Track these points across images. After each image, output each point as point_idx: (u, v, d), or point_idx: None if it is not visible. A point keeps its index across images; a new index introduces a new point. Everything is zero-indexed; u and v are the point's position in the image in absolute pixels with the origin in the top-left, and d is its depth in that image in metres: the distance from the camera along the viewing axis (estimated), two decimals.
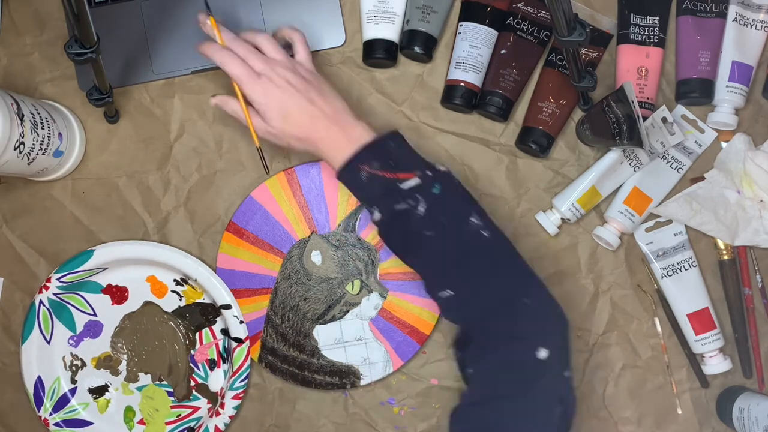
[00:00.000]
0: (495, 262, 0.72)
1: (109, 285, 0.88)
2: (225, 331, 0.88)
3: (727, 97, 0.86)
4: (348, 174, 0.74)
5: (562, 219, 0.86)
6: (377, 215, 0.73)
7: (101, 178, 0.89)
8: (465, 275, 0.72)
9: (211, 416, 0.87)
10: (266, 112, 0.76)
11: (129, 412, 0.88)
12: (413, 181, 0.72)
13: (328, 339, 0.88)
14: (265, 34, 0.79)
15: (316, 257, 0.87)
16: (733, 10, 0.86)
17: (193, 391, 0.88)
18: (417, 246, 0.72)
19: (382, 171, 0.72)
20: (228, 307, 0.87)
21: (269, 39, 0.79)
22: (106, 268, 0.87)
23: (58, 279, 0.87)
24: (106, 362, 0.89)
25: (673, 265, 0.86)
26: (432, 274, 0.73)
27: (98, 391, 0.89)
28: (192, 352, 0.88)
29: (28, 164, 0.81)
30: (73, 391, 0.88)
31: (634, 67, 0.86)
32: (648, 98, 0.86)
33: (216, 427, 0.86)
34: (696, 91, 0.86)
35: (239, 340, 0.86)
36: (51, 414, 0.88)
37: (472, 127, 0.89)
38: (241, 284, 0.87)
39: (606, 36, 0.87)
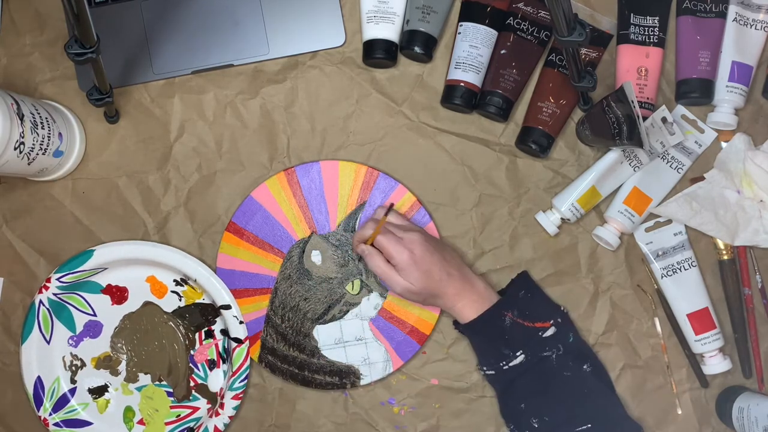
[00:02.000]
0: (604, 401, 0.82)
1: (109, 285, 0.88)
2: (225, 332, 0.88)
3: (727, 97, 0.86)
4: (487, 321, 0.81)
5: (562, 219, 0.86)
6: (520, 359, 0.81)
7: (101, 178, 0.89)
8: (590, 409, 0.80)
9: (211, 416, 0.87)
10: (408, 270, 0.79)
11: (129, 412, 0.88)
12: (551, 330, 0.82)
13: (328, 339, 0.87)
14: (381, 208, 0.85)
15: (316, 257, 0.87)
16: (733, 10, 0.86)
17: (193, 391, 0.88)
18: (556, 385, 0.80)
19: (522, 320, 0.81)
20: (228, 307, 0.87)
21: (392, 212, 0.84)
22: (106, 268, 0.87)
23: (58, 279, 0.87)
24: (106, 362, 0.89)
25: (673, 265, 0.86)
26: (564, 409, 0.80)
27: (98, 391, 0.89)
28: (192, 352, 0.88)
29: (28, 164, 0.80)
30: (72, 391, 0.88)
31: (634, 67, 0.86)
32: (648, 98, 0.86)
33: (215, 428, 0.86)
34: (696, 91, 0.86)
35: (239, 341, 0.86)
36: (51, 414, 0.88)
37: (472, 127, 0.89)
38: (241, 284, 0.87)
39: (606, 36, 0.87)
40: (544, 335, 0.81)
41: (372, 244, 0.81)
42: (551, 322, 0.82)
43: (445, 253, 0.82)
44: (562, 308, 0.84)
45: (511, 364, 0.81)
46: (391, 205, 0.85)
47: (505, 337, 0.81)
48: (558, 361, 0.81)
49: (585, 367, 0.82)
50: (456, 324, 0.85)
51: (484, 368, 0.83)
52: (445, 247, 0.83)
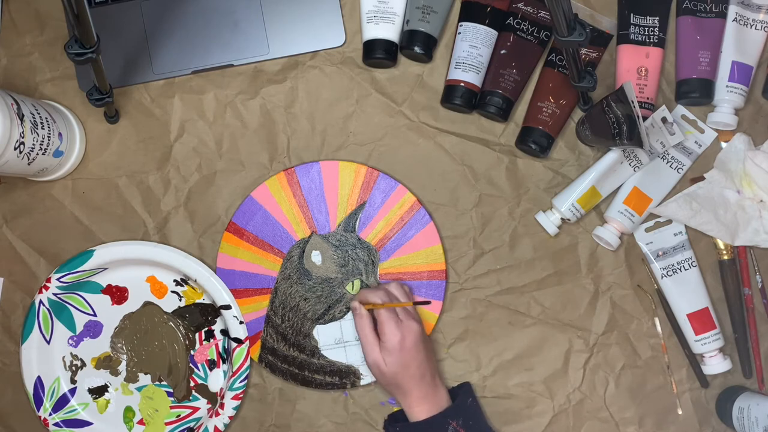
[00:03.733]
0: None
1: (109, 285, 0.88)
2: (225, 332, 0.88)
3: (727, 97, 0.86)
4: (431, 425, 0.80)
5: (562, 219, 0.86)
6: None
7: (101, 178, 0.89)
8: None
9: (211, 416, 0.87)
10: (391, 353, 0.79)
11: (129, 412, 0.88)
12: None
13: (328, 339, 0.87)
14: (396, 284, 0.84)
15: (316, 257, 0.87)
16: (733, 10, 0.86)
17: (193, 391, 0.88)
18: None
19: (464, 430, 0.80)
20: (228, 307, 0.87)
21: (401, 289, 0.83)
22: (106, 269, 0.87)
23: (58, 279, 0.87)
24: (106, 362, 0.89)
25: (673, 265, 0.86)
26: None
27: (98, 392, 0.89)
28: (192, 352, 0.88)
29: (28, 164, 0.80)
30: (72, 391, 0.88)
31: (634, 67, 0.86)
32: (648, 98, 0.86)
33: (215, 428, 0.86)
34: (696, 91, 0.86)
35: (239, 341, 0.86)
36: (50, 414, 0.87)
37: (472, 127, 0.89)
38: (241, 284, 0.87)
39: (606, 36, 0.87)
40: None
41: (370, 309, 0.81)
42: None
43: (429, 355, 0.81)
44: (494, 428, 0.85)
45: None
46: (410, 289, 0.86)
47: None
48: None
49: None
50: (391, 418, 0.84)
51: None
52: (430, 348, 0.83)
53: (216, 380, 0.88)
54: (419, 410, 0.80)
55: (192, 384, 0.88)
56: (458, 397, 0.83)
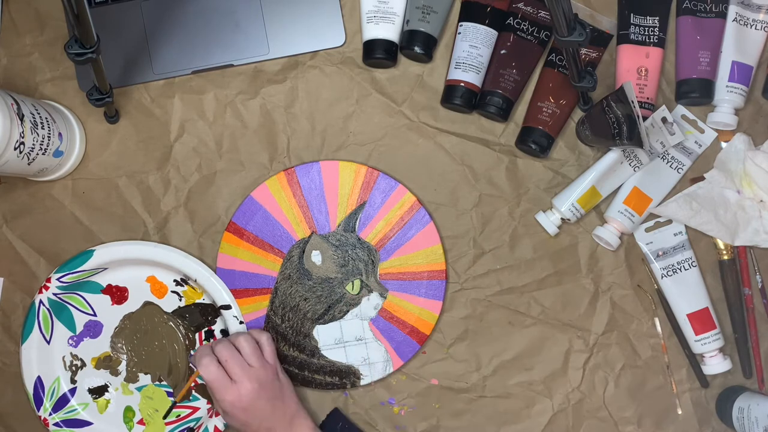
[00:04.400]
0: None
1: (109, 285, 0.88)
2: (225, 332, 0.88)
3: (727, 97, 0.86)
4: None
5: (562, 219, 0.86)
6: None
7: (101, 178, 0.89)
8: None
9: (211, 416, 0.87)
10: (228, 414, 0.80)
11: (129, 412, 0.88)
12: None
13: (328, 339, 0.88)
14: (245, 336, 0.82)
15: (316, 257, 0.87)
16: (733, 10, 0.86)
17: (193, 391, 0.88)
18: None
19: None
20: (228, 307, 0.87)
21: (249, 340, 0.81)
22: (106, 269, 0.87)
23: (58, 279, 0.87)
24: (106, 362, 0.89)
25: (673, 265, 0.86)
26: None
27: (98, 391, 0.89)
28: (192, 352, 0.88)
29: (28, 164, 0.81)
30: (72, 391, 0.88)
31: (634, 67, 0.86)
32: (648, 98, 0.86)
33: (216, 428, 0.86)
34: (696, 91, 0.86)
35: None
36: (51, 414, 0.88)
37: (472, 127, 0.89)
38: (241, 284, 0.87)
39: (606, 36, 0.87)
40: None
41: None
42: None
43: (277, 407, 0.80)
44: None
45: None
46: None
47: None
48: None
49: None
50: None
51: None
52: (283, 391, 0.81)
53: None
54: None
55: (192, 384, 0.88)
56: (326, 426, 0.84)
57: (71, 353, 0.88)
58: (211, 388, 0.79)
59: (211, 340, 0.88)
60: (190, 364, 0.83)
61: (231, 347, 0.80)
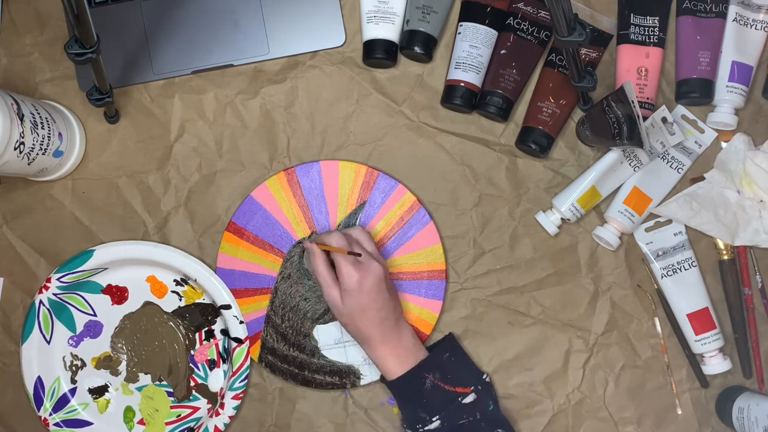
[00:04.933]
0: None
1: (109, 285, 0.88)
2: (225, 332, 0.88)
3: (727, 97, 0.86)
4: (408, 381, 0.79)
5: (562, 219, 0.86)
6: (435, 424, 0.78)
7: (101, 178, 0.89)
8: None
9: (211, 416, 0.87)
10: (350, 294, 0.78)
11: (129, 412, 0.88)
12: (471, 397, 0.79)
13: (328, 339, 0.88)
14: (360, 228, 0.82)
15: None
16: (733, 10, 0.86)
17: (193, 391, 0.88)
18: None
19: (443, 383, 0.79)
20: (228, 307, 0.87)
21: (363, 232, 0.81)
22: (106, 268, 0.87)
23: (58, 279, 0.87)
24: (106, 362, 0.89)
25: (673, 265, 0.86)
26: None
27: (98, 392, 0.89)
28: (192, 352, 0.88)
29: (28, 164, 0.81)
30: (73, 391, 0.88)
31: (634, 67, 0.86)
32: (648, 98, 0.86)
33: (216, 428, 0.86)
34: (696, 91, 0.86)
35: (239, 341, 0.86)
36: (51, 414, 0.88)
37: (472, 127, 0.89)
38: (241, 284, 0.87)
39: (606, 36, 0.87)
40: (463, 401, 0.79)
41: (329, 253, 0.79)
42: (471, 388, 0.80)
43: (391, 300, 0.79)
44: (485, 376, 0.83)
45: (426, 428, 0.78)
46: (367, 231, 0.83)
47: (424, 401, 0.78)
48: (470, 425, 0.78)
49: (499, 431, 0.79)
50: (382, 378, 0.83)
51: (405, 426, 0.81)
52: (394, 294, 0.81)
53: (216, 380, 0.88)
54: (385, 357, 0.79)
55: (192, 384, 0.88)
56: (433, 351, 0.81)
57: (71, 353, 0.88)
58: (341, 264, 0.77)
59: (212, 339, 0.88)
60: (306, 246, 0.80)
61: (350, 237, 0.80)
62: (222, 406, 0.86)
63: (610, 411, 0.87)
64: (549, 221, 0.86)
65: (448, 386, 0.79)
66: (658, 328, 0.88)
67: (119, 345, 0.88)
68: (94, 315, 0.88)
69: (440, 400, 0.79)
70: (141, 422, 0.88)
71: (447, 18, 0.88)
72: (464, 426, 0.78)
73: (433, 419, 0.78)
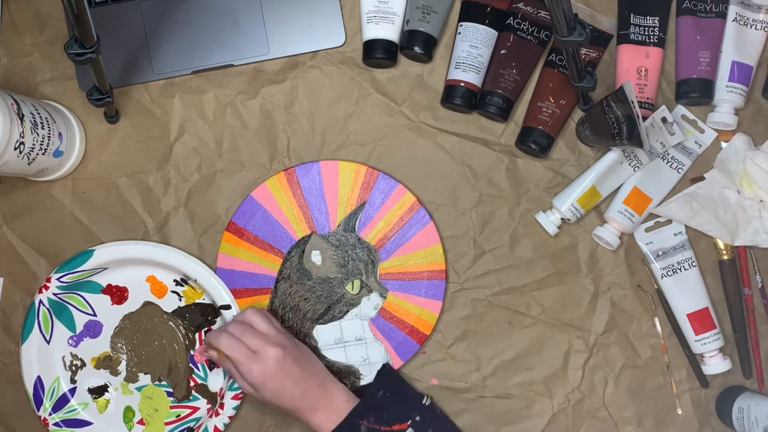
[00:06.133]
0: None
1: (109, 285, 0.88)
2: None
3: (727, 97, 0.86)
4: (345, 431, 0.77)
5: (562, 219, 0.86)
6: None
7: (101, 178, 0.89)
8: None
9: (211, 416, 0.87)
10: (259, 387, 0.77)
11: (128, 412, 0.88)
12: (409, 431, 0.79)
13: (328, 339, 0.88)
14: (251, 310, 0.81)
15: (316, 257, 0.87)
16: (733, 10, 0.86)
17: (193, 391, 0.88)
18: None
19: (378, 425, 0.78)
20: (228, 307, 0.87)
21: (257, 314, 0.81)
22: (106, 268, 0.87)
23: (58, 279, 0.87)
24: (106, 362, 0.89)
25: (673, 265, 0.86)
26: None
27: (98, 391, 0.89)
28: (192, 352, 0.88)
29: (28, 164, 0.81)
30: (72, 391, 0.88)
31: (634, 67, 0.86)
32: (648, 98, 0.86)
33: (215, 428, 0.86)
34: (696, 91, 0.86)
35: None
36: (50, 414, 0.88)
37: (472, 127, 0.89)
38: (241, 284, 0.87)
39: (606, 36, 0.87)
40: None
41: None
42: (409, 422, 0.79)
43: (304, 369, 0.78)
44: (424, 400, 0.81)
45: None
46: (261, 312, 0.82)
47: None
48: None
49: None
50: None
51: None
52: (303, 353, 0.80)
53: (216, 380, 0.88)
54: (318, 423, 0.78)
55: (192, 384, 0.88)
56: (365, 393, 0.80)
57: (71, 353, 0.88)
58: (237, 364, 0.77)
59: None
60: (200, 352, 0.81)
61: (242, 324, 0.79)
62: (222, 406, 0.86)
63: (609, 411, 0.87)
64: (549, 221, 0.86)
65: (384, 427, 0.78)
66: (658, 328, 0.88)
67: (119, 345, 0.89)
68: (94, 315, 0.88)
69: None
70: (140, 422, 0.88)
71: (447, 18, 0.88)
72: None
73: None
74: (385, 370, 0.84)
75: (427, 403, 0.82)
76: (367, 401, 0.79)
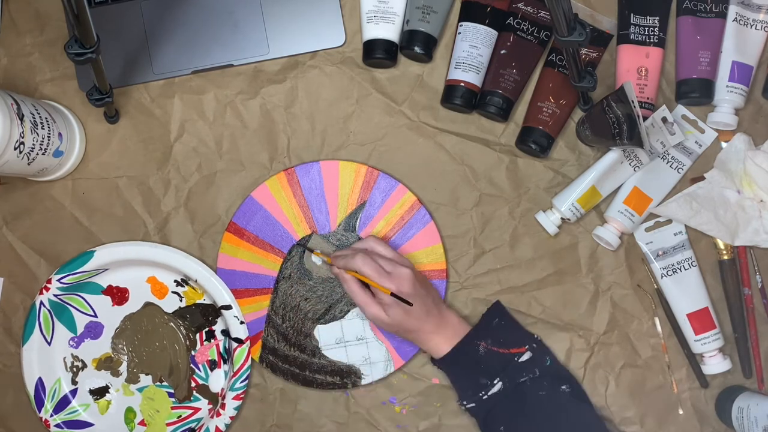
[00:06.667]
0: (584, 419, 0.82)
1: (110, 286, 0.88)
2: (225, 332, 0.88)
3: (727, 97, 0.86)
4: (462, 353, 0.81)
5: (562, 219, 0.86)
6: (497, 387, 0.80)
7: (101, 179, 0.89)
8: (568, 428, 0.81)
9: (212, 417, 0.87)
10: (392, 309, 0.79)
11: (130, 413, 0.88)
12: (527, 355, 0.82)
13: (329, 339, 0.88)
14: (372, 238, 0.83)
15: (316, 257, 0.87)
16: (733, 10, 0.86)
17: (194, 392, 0.88)
18: (532, 405, 0.80)
19: (496, 347, 0.81)
20: (228, 307, 0.87)
21: (377, 241, 0.83)
22: (106, 269, 0.87)
23: (58, 280, 0.87)
24: (107, 363, 0.89)
25: (673, 265, 0.86)
26: (542, 428, 0.80)
27: (99, 393, 0.89)
28: (192, 352, 0.88)
29: (28, 164, 0.80)
30: (73, 392, 0.88)
31: (634, 67, 0.86)
32: (648, 98, 0.86)
33: (217, 428, 0.86)
34: (696, 91, 0.86)
35: (240, 341, 0.86)
36: (52, 415, 0.88)
37: (472, 127, 0.89)
38: (242, 284, 0.87)
39: (606, 36, 0.87)
40: (520, 360, 0.81)
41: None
42: (526, 347, 0.82)
43: (428, 290, 0.81)
44: (535, 335, 0.85)
45: (490, 393, 0.80)
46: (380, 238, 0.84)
47: (481, 367, 0.80)
48: (533, 382, 0.80)
49: (563, 387, 0.81)
50: (433, 360, 0.84)
51: (464, 402, 0.82)
52: (427, 282, 0.83)
53: (217, 380, 0.88)
54: (437, 343, 0.81)
55: (193, 384, 0.88)
56: (481, 320, 0.84)
57: (72, 354, 0.88)
58: (374, 280, 0.78)
59: (213, 340, 0.88)
60: (335, 272, 0.82)
61: (365, 250, 0.81)
62: (223, 406, 0.86)
63: (611, 410, 0.87)
64: (549, 221, 0.86)
65: (502, 349, 0.81)
66: (658, 327, 0.88)
67: (120, 346, 0.88)
68: (95, 316, 0.88)
69: (497, 363, 0.80)
70: (142, 423, 0.88)
71: (447, 18, 0.88)
72: (526, 384, 0.80)
73: (495, 382, 0.80)
74: (497, 305, 0.86)
75: (538, 338, 0.85)
76: (483, 325, 0.83)
